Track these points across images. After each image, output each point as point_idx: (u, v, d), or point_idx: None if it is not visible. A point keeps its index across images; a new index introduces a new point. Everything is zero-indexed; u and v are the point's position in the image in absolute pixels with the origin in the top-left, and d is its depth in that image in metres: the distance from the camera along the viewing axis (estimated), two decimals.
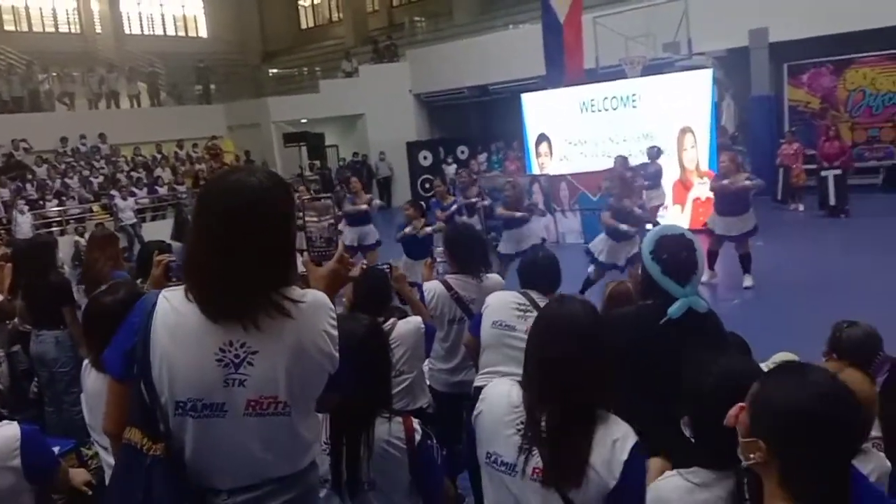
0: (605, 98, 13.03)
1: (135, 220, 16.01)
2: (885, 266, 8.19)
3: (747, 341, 2.78)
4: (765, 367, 1.86)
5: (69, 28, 26.12)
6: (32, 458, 2.23)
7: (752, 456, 1.39)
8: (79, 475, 2.56)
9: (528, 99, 14.53)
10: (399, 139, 20.22)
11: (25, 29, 25.12)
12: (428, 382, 3.73)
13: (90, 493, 2.52)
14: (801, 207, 12.91)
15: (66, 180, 17.12)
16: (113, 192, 16.45)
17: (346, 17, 26.95)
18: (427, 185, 17.99)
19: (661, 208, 10.85)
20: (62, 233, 14.95)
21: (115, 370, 1.68)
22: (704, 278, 7.09)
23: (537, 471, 1.75)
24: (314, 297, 1.69)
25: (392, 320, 3.36)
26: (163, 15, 28.92)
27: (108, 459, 2.37)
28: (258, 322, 1.58)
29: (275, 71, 25.89)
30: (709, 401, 1.67)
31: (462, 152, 19.75)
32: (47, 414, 4.54)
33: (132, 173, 18.19)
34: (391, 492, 2.19)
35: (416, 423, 2.26)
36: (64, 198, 16.38)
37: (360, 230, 9.78)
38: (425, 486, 2.26)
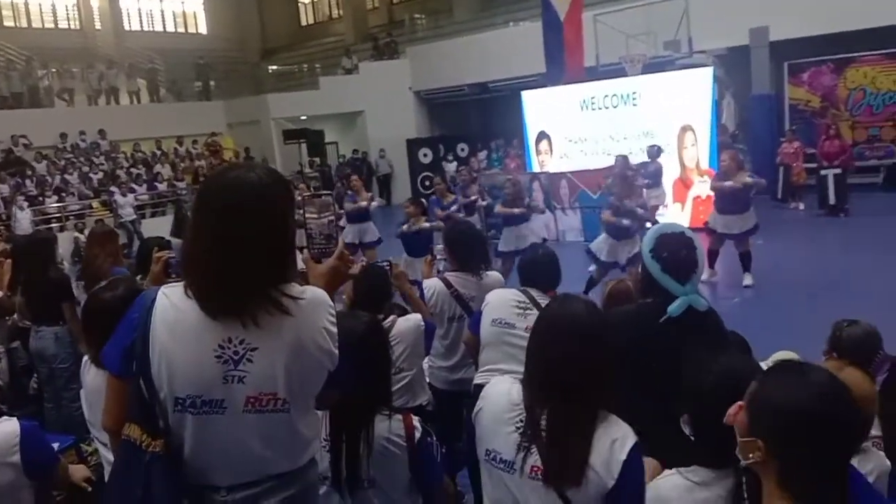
0: (606, 96, 13.02)
1: (134, 217, 16.01)
2: (885, 265, 8.19)
3: (747, 340, 2.78)
4: (765, 365, 1.85)
5: (69, 24, 26.09)
6: (32, 455, 2.23)
7: (750, 455, 1.39)
8: (78, 471, 2.56)
9: (528, 96, 14.51)
10: (399, 136, 20.20)
11: (25, 25, 25.10)
12: (428, 380, 3.74)
13: (90, 489, 2.52)
14: (802, 206, 12.91)
15: (66, 176, 17.11)
16: (112, 188, 16.46)
17: (346, 14, 26.93)
18: (427, 183, 17.97)
19: (660, 207, 10.82)
20: (62, 229, 14.93)
21: (114, 366, 1.68)
22: (704, 277, 7.08)
23: (535, 469, 1.75)
24: (313, 294, 1.69)
25: (392, 317, 3.37)
26: (162, 11, 28.89)
27: (108, 456, 2.37)
28: (257, 319, 1.58)
29: (274, 68, 25.86)
30: (709, 399, 1.66)
31: (462, 150, 19.74)
32: (47, 410, 4.55)
33: (132, 170, 18.19)
34: (391, 489, 2.20)
35: (415, 420, 2.27)
36: (63, 194, 16.38)
37: (359, 227, 9.79)
38: (425, 484, 2.26)
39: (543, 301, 3.24)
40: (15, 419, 2.31)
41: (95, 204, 16.51)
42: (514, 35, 18.17)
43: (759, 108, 14.67)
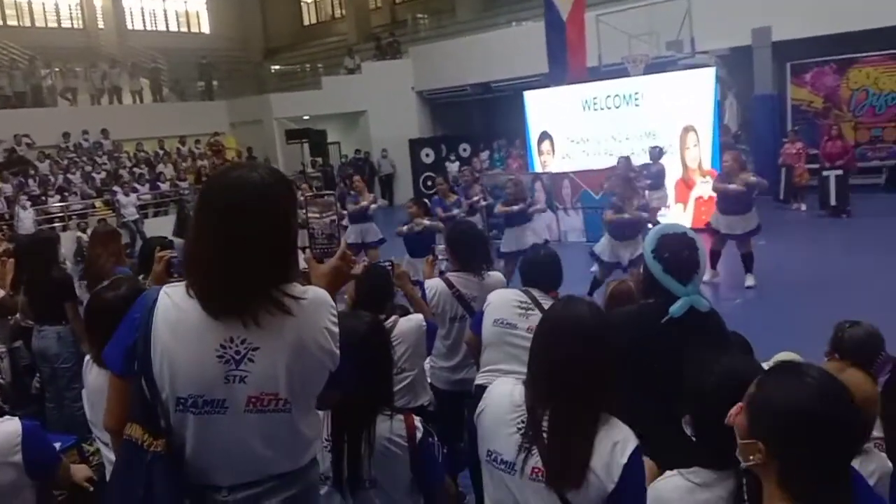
0: (608, 96, 13.01)
1: (137, 216, 16.02)
2: (887, 266, 8.18)
3: (749, 341, 2.78)
4: (766, 366, 1.85)
5: (72, 23, 26.13)
6: (33, 454, 2.23)
7: (751, 457, 1.39)
8: (80, 471, 2.56)
9: (530, 97, 14.51)
10: (401, 136, 20.21)
11: (28, 24, 25.13)
12: (429, 380, 3.74)
13: (91, 489, 2.53)
14: (804, 207, 12.89)
15: (69, 176, 17.13)
16: (115, 187, 16.46)
17: (348, 14, 26.95)
18: (429, 183, 17.97)
19: (661, 209, 10.80)
20: (64, 228, 14.95)
21: (115, 366, 1.68)
22: (706, 277, 7.08)
23: (536, 470, 1.75)
24: (315, 294, 1.69)
25: (393, 318, 3.36)
26: (165, 11, 28.92)
27: (110, 455, 2.37)
28: (258, 319, 1.58)
29: (277, 67, 25.87)
30: (710, 400, 1.66)
31: (464, 150, 19.74)
32: (48, 410, 4.56)
33: (134, 169, 18.20)
34: (392, 489, 2.19)
35: (417, 420, 2.27)
36: (66, 193, 16.40)
37: (362, 227, 9.80)
38: (426, 484, 2.26)
39: (545, 301, 3.24)
40: (17, 419, 2.31)
41: (98, 203, 16.53)
42: (516, 35, 18.17)
43: (762, 108, 14.65)
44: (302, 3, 30.99)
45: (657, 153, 10.83)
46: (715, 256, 8.07)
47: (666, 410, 1.93)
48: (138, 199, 16.50)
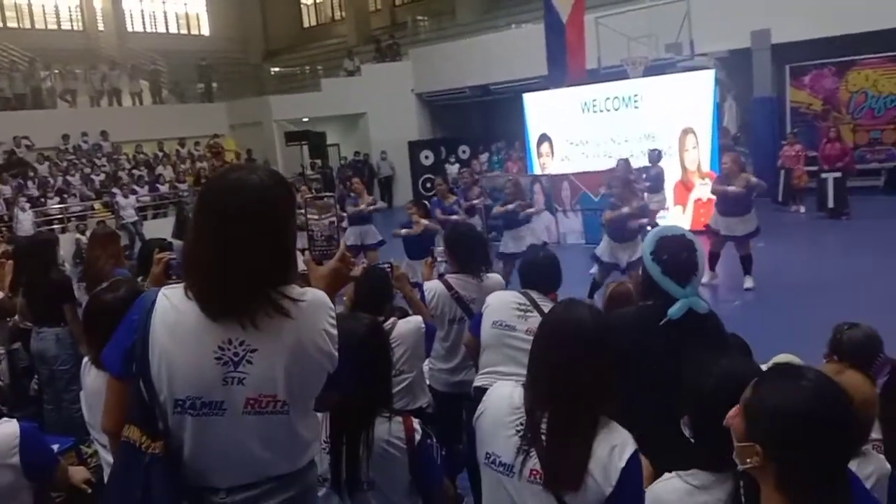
0: (607, 98, 13.02)
1: (136, 218, 16.03)
2: (886, 268, 8.18)
3: (748, 342, 2.78)
4: (765, 368, 1.85)
5: (72, 25, 26.15)
6: (31, 456, 2.23)
7: (748, 460, 1.38)
8: (78, 473, 2.56)
9: (529, 99, 14.52)
10: (401, 138, 20.22)
11: (28, 26, 25.14)
12: (428, 382, 3.73)
13: (89, 491, 2.52)
14: (803, 209, 12.90)
15: (68, 178, 17.14)
16: (114, 189, 16.47)
17: (348, 16, 26.97)
18: (428, 185, 17.98)
19: (660, 212, 10.80)
20: (63, 230, 14.96)
21: (114, 368, 1.68)
22: (705, 279, 7.09)
23: (534, 472, 1.75)
24: (314, 295, 1.69)
25: (392, 319, 3.36)
26: (165, 13, 28.95)
27: (108, 457, 2.37)
28: (256, 321, 1.58)
29: (277, 69, 25.89)
30: (709, 402, 1.66)
31: (463, 152, 19.75)
32: (46, 412, 4.54)
33: (134, 171, 18.21)
34: (390, 491, 2.19)
35: (416, 422, 2.26)
36: (65, 195, 16.41)
37: (361, 229, 9.80)
38: (425, 486, 2.26)
39: (544, 303, 3.24)
40: (15, 421, 2.31)
41: (97, 205, 16.54)
42: (516, 37, 18.18)
43: (761, 110, 14.67)
44: (302, 5, 31.01)
45: (656, 156, 10.84)
46: (714, 258, 8.08)
47: (665, 412, 1.93)
48: (137, 201, 16.51)
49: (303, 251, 1.98)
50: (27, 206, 15.02)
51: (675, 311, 2.27)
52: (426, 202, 9.18)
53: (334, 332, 1.68)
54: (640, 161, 11.09)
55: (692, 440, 1.77)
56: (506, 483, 1.80)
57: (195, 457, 1.59)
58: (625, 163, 9.72)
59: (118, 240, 5.22)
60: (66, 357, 4.50)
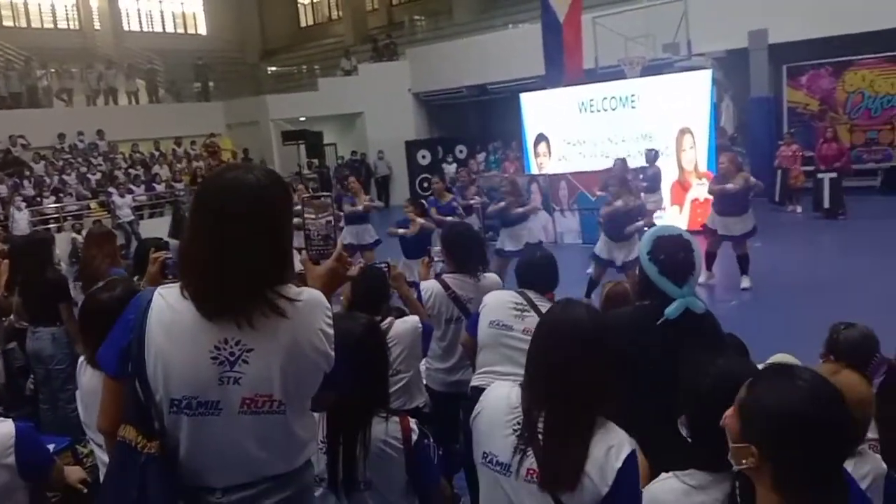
0: (604, 98, 13.03)
1: (132, 218, 16.00)
2: (882, 268, 8.20)
3: (745, 342, 2.78)
4: (762, 367, 1.85)
5: (68, 24, 26.09)
6: (27, 456, 2.22)
7: (743, 461, 1.38)
8: (74, 473, 2.55)
9: (526, 99, 14.53)
10: (398, 138, 20.22)
11: (24, 25, 25.10)
12: (425, 382, 3.73)
13: (85, 490, 2.52)
14: (799, 209, 12.93)
15: (64, 177, 17.09)
16: (111, 189, 16.44)
17: (345, 16, 26.94)
18: (426, 184, 17.98)
19: (657, 212, 10.80)
20: (59, 229, 14.91)
21: (109, 367, 1.67)
22: (702, 279, 7.09)
23: (531, 472, 1.75)
24: (310, 295, 1.69)
25: (389, 319, 3.36)
26: (162, 12, 28.89)
27: (103, 457, 2.36)
28: (252, 320, 1.58)
29: (274, 69, 25.87)
30: (706, 401, 1.66)
31: (461, 152, 19.76)
32: (42, 411, 4.54)
33: (130, 170, 18.17)
34: (387, 491, 2.19)
35: (412, 422, 2.26)
36: (61, 194, 16.36)
37: (358, 229, 9.78)
38: (421, 486, 2.26)
39: (541, 303, 3.24)
40: (10, 420, 2.30)
41: (93, 205, 16.50)
42: (513, 37, 18.19)
43: (758, 110, 14.69)
44: (299, 5, 30.98)
45: (653, 156, 10.84)
46: (710, 258, 8.09)
47: (662, 412, 1.93)
48: (134, 201, 16.48)
49: (299, 250, 1.98)
50: (23, 205, 14.98)
51: (671, 310, 2.27)
52: (423, 201, 9.18)
53: (331, 331, 1.67)
54: (637, 161, 11.09)
55: (689, 440, 1.77)
56: (503, 482, 1.80)
57: (191, 456, 1.59)
58: (622, 162, 9.72)
59: (114, 239, 5.20)
60: (61, 356, 4.50)
